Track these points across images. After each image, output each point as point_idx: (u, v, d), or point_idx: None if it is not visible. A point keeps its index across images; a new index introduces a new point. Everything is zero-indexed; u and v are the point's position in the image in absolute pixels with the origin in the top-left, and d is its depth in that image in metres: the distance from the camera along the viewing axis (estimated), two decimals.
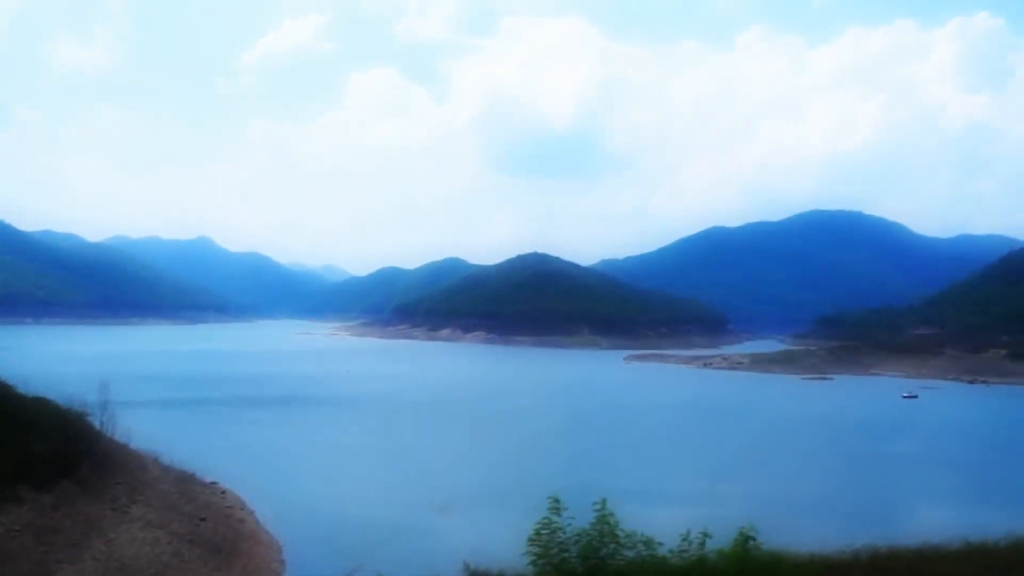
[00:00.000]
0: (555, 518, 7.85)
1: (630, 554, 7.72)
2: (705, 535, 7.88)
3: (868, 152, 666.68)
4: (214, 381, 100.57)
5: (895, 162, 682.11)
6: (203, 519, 36.09)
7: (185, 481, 42.47)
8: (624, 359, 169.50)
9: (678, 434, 72.97)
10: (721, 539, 7.96)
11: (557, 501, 7.84)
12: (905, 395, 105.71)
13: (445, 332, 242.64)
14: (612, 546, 7.68)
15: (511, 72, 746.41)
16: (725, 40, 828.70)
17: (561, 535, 7.73)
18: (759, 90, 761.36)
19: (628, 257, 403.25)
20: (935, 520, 41.60)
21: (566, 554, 7.61)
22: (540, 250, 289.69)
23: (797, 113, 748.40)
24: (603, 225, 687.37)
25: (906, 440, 70.58)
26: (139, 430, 51.31)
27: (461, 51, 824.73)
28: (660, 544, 8.01)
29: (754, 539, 7.76)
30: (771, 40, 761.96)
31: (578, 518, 8.02)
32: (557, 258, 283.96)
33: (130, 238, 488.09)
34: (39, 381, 48.69)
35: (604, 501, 7.70)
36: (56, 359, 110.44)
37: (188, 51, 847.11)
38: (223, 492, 43.71)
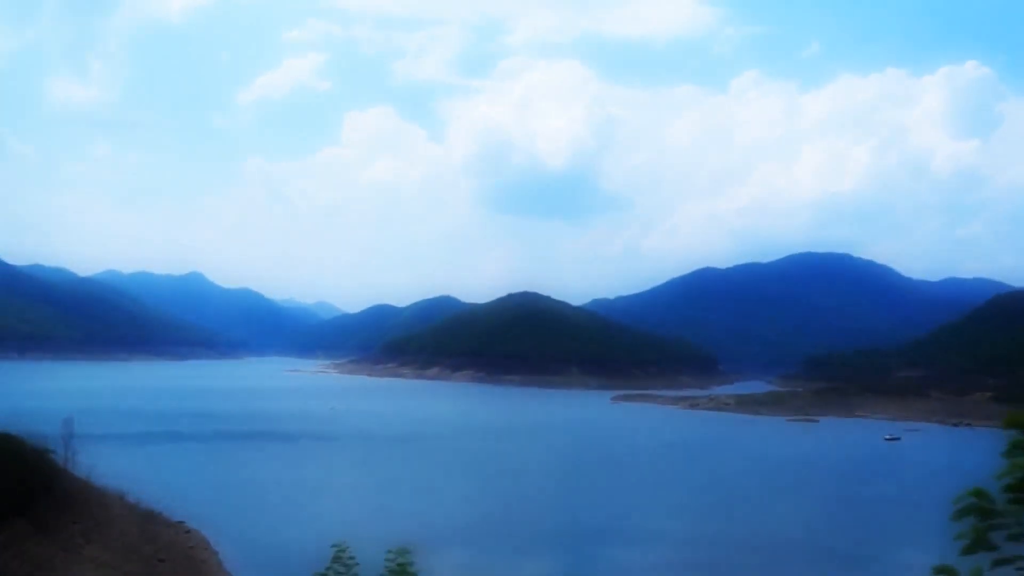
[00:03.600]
0: (339, 568, 6.94)
1: None
2: None
3: (858, 196, 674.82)
4: (195, 418, 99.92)
5: (885, 206, 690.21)
6: (162, 560, 35.71)
7: (149, 520, 42.06)
8: (611, 399, 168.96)
9: (657, 475, 72.66)
10: None
11: (343, 548, 6.93)
12: (887, 437, 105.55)
13: (434, 371, 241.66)
14: None
15: (507, 113, 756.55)
16: (719, 84, 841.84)
17: None
18: (752, 134, 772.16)
19: (619, 297, 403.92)
20: (902, 562, 41.43)
21: None
22: (533, 289, 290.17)
23: (789, 157, 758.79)
24: (595, 265, 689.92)
25: (882, 483, 70.37)
26: (113, 467, 51.18)
27: (458, 92, 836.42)
28: None
29: None
30: (764, 85, 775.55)
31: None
32: (548, 297, 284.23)
33: (121, 273, 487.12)
34: (11, 417, 48.58)
35: (402, 548, 6.84)
36: (36, 395, 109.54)
37: (185, 88, 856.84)
38: (187, 531, 43.29)
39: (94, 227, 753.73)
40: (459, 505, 55.37)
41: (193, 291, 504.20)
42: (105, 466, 48.75)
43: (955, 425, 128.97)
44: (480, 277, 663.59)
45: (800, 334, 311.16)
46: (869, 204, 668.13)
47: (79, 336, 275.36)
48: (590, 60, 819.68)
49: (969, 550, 3.09)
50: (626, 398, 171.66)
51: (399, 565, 6.78)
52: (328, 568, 6.67)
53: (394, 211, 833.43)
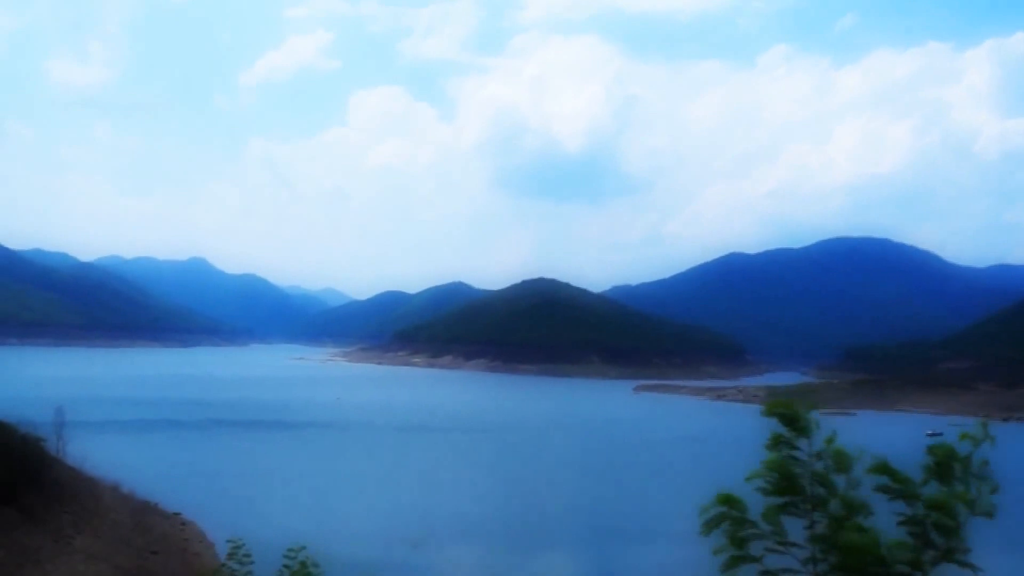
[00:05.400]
0: (234, 564, 6.65)
1: None
2: None
3: (897, 178, 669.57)
4: (197, 406, 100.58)
5: (926, 188, 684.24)
6: (155, 552, 35.68)
7: (143, 511, 42.18)
8: (634, 389, 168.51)
9: (678, 471, 72.03)
10: None
11: (239, 544, 6.59)
12: (928, 433, 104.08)
13: (446, 359, 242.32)
14: None
15: (521, 91, 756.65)
16: (746, 60, 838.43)
17: None
18: (781, 112, 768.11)
19: (641, 283, 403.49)
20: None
21: None
22: (550, 275, 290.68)
23: (821, 136, 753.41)
24: (616, 250, 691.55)
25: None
26: (111, 456, 51.48)
27: (469, 70, 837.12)
28: None
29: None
30: (795, 60, 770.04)
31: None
32: (566, 284, 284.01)
33: (123, 258, 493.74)
34: (6, 404, 48.85)
35: (300, 547, 6.47)
36: (35, 382, 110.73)
37: (188, 68, 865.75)
38: (183, 524, 43.36)
39: (95, 211, 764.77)
40: (466, 501, 55.22)
41: (196, 277, 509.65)
42: (102, 455, 49.03)
43: (1004, 420, 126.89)
44: (494, 263, 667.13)
45: (835, 324, 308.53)
46: (909, 186, 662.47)
47: (80, 322, 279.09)
48: (609, 35, 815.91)
49: (729, 567, 2.88)
50: (649, 388, 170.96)
51: (300, 564, 6.45)
52: (223, 564, 6.27)
53: (404, 194, 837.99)
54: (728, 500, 2.92)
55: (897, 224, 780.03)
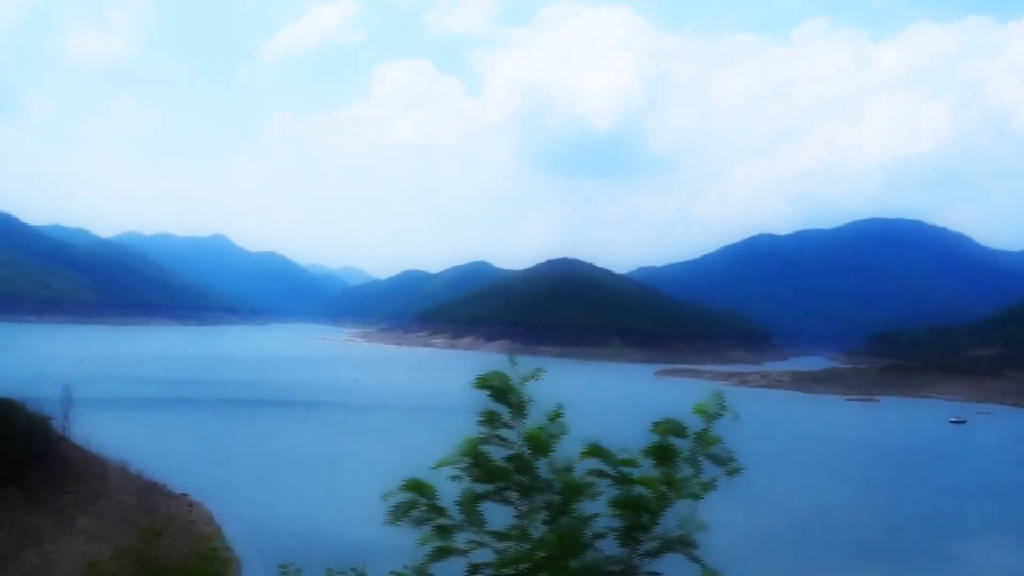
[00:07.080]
0: (143, 547, 6.76)
1: None
2: None
3: (932, 158, 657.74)
4: (213, 386, 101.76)
5: (962, 169, 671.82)
6: (159, 533, 36.38)
7: (150, 492, 42.95)
8: (655, 373, 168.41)
9: None
10: None
11: (158, 531, 6.74)
12: (952, 420, 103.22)
13: (467, 340, 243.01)
14: None
15: (548, 66, 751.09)
16: (780, 34, 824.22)
17: None
18: (815, 88, 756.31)
19: (667, 265, 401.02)
20: (941, 555, 40.52)
21: None
22: (574, 255, 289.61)
23: (856, 114, 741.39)
24: (642, 230, 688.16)
25: (933, 470, 68.68)
26: (122, 435, 52.38)
27: (496, 43, 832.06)
28: None
29: None
30: (830, 34, 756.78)
31: None
32: (589, 264, 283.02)
33: (143, 234, 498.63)
34: (20, 383, 49.77)
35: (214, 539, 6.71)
36: (51, 359, 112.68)
37: (208, 40, 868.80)
38: (190, 505, 44.15)
39: (115, 186, 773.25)
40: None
41: (216, 254, 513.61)
42: (113, 434, 49.93)
43: None
44: (518, 242, 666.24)
45: (864, 308, 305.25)
46: (944, 167, 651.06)
47: (98, 299, 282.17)
48: (639, 7, 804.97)
49: (433, 559, 2.61)
50: (671, 372, 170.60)
51: (211, 550, 6.70)
52: (133, 545, 6.48)
53: (427, 171, 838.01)
54: (417, 486, 2.66)
55: (931, 205, 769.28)
